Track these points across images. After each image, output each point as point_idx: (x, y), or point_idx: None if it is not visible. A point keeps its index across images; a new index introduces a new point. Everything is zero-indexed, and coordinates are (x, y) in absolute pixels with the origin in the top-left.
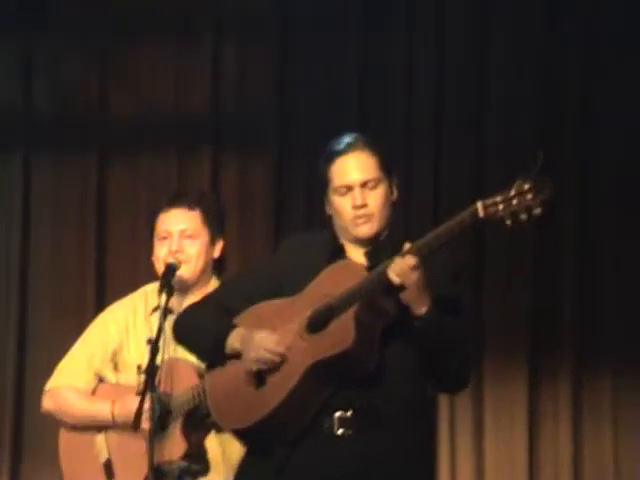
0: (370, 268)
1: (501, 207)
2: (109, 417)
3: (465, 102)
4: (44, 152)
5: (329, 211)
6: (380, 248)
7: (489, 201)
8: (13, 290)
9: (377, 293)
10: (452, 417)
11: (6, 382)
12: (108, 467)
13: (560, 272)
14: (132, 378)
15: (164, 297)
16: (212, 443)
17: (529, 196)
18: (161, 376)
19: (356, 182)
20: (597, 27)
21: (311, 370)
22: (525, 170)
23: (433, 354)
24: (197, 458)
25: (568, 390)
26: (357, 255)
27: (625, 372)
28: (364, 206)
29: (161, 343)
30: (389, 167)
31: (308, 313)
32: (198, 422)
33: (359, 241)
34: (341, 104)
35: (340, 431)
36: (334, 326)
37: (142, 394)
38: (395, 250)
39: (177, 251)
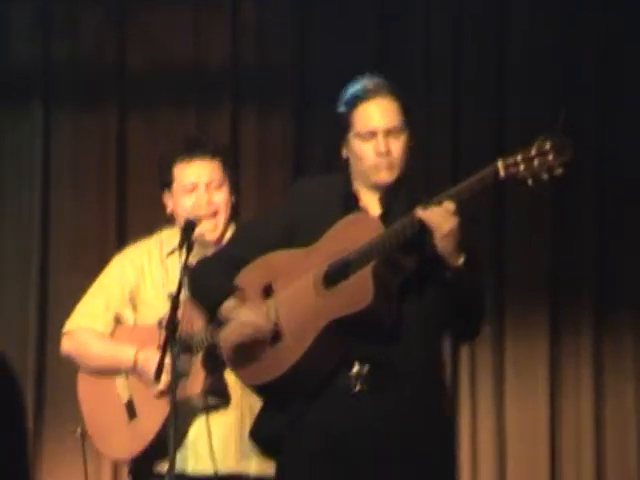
0: (384, 214)
1: (522, 167)
2: (131, 363)
3: (484, 57)
4: (62, 109)
5: (346, 154)
6: (394, 195)
7: (510, 160)
8: (35, 245)
9: (397, 248)
10: (473, 374)
11: (28, 336)
12: (130, 407)
13: (579, 228)
14: (150, 318)
15: (184, 253)
16: (232, 379)
17: (550, 156)
18: (182, 315)
19: (380, 129)
20: None
21: (328, 327)
22: (546, 129)
23: (460, 304)
24: (218, 392)
25: (589, 345)
26: (371, 201)
27: None
28: (388, 153)
29: (181, 298)
30: (409, 113)
31: (324, 267)
32: (218, 357)
33: (377, 187)
34: (359, 56)
35: (357, 387)
36: (352, 282)
37: (162, 350)
38: (409, 198)
39: (209, 202)
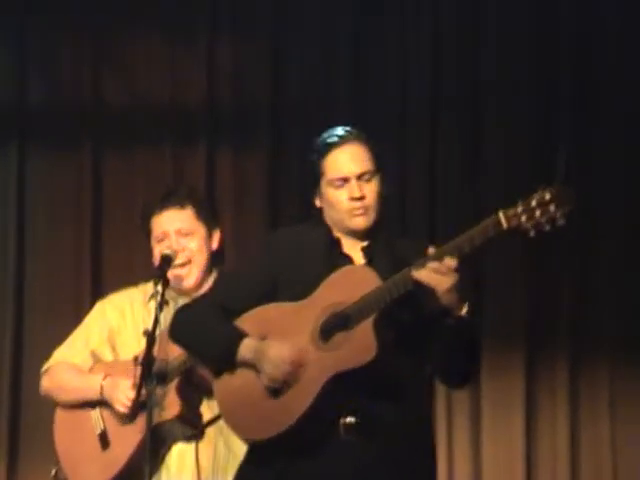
0: (368, 263)
1: (524, 218)
2: (97, 391)
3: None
4: (38, 146)
5: (320, 204)
6: (375, 242)
7: (511, 212)
8: (9, 286)
9: (395, 302)
10: (449, 409)
11: (3, 383)
12: (103, 437)
13: (558, 262)
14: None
15: (160, 288)
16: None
17: (552, 207)
18: (158, 348)
19: (353, 174)
20: None
21: (332, 380)
22: (545, 179)
23: (458, 350)
24: (190, 421)
25: (565, 381)
26: (354, 249)
27: (622, 363)
28: (362, 198)
29: (157, 335)
30: (381, 161)
31: (321, 320)
32: (193, 385)
33: (354, 233)
34: (335, 98)
35: (344, 438)
36: (354, 335)
37: (139, 385)
38: (390, 245)
39: (181, 250)
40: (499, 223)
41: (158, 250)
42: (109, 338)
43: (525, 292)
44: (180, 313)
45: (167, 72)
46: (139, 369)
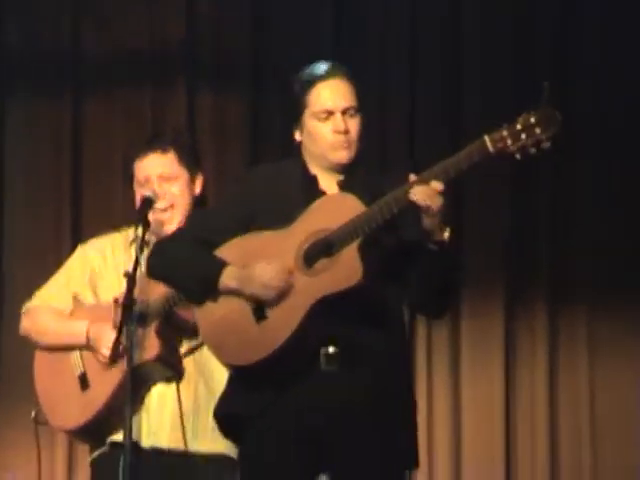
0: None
1: (510, 142)
2: (83, 337)
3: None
4: (17, 90)
5: (300, 137)
6: (352, 178)
7: (496, 135)
8: None
9: (380, 227)
10: (429, 351)
11: None
12: (83, 379)
13: (536, 204)
14: (109, 300)
15: (140, 230)
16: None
17: (537, 130)
18: (138, 289)
19: (339, 107)
20: None
21: (317, 305)
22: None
23: (440, 277)
24: (170, 363)
25: (544, 322)
26: (330, 185)
27: (600, 304)
28: (346, 132)
29: (138, 276)
30: (361, 98)
31: (304, 247)
32: (173, 327)
33: (334, 168)
34: (317, 35)
35: (326, 367)
36: (340, 260)
37: (119, 329)
38: (366, 180)
39: (164, 195)
40: (485, 147)
41: (138, 195)
42: (90, 280)
43: (505, 234)
44: (157, 247)
45: (146, 12)
46: (119, 310)
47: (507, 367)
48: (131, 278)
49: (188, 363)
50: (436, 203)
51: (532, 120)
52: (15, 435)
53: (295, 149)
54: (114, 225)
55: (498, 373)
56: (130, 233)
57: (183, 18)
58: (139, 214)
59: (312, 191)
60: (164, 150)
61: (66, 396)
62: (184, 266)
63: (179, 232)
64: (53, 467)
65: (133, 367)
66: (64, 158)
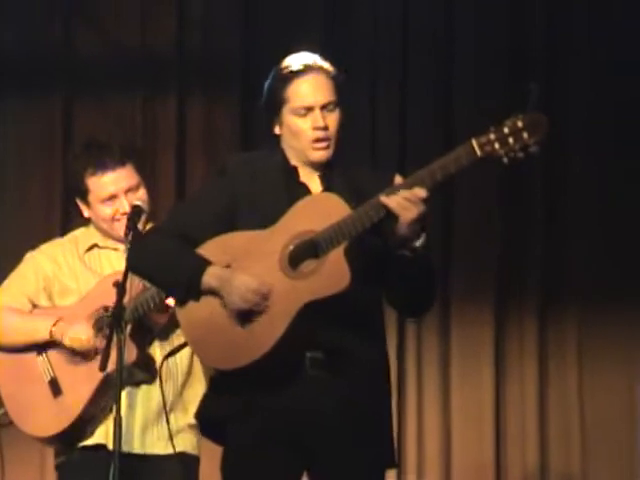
0: (325, 191)
1: (497, 145)
2: (47, 333)
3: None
4: (10, 92)
5: (279, 131)
6: (333, 170)
7: (483, 139)
8: None
9: (366, 231)
10: (419, 358)
11: None
12: (54, 384)
13: (528, 212)
14: (71, 302)
15: (130, 239)
16: (156, 352)
17: (525, 134)
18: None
19: (318, 103)
20: None
21: (304, 309)
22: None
23: (415, 281)
24: (144, 366)
25: (534, 329)
26: (311, 178)
27: (590, 311)
28: (325, 128)
29: (128, 285)
30: (341, 90)
31: (288, 248)
32: (146, 330)
33: (313, 164)
34: (307, 46)
35: (311, 372)
36: (326, 264)
37: (109, 336)
38: (346, 174)
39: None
40: (472, 150)
41: (103, 209)
42: (45, 287)
43: (494, 242)
44: (138, 243)
45: (138, 18)
46: (106, 318)
47: (497, 375)
48: (121, 287)
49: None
50: (415, 211)
51: (520, 124)
52: None
53: (275, 141)
54: None
55: (488, 382)
56: (79, 238)
57: (174, 23)
58: (129, 223)
59: (292, 184)
60: (123, 163)
61: (37, 403)
62: (166, 263)
63: (160, 227)
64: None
65: (108, 372)
66: (55, 162)
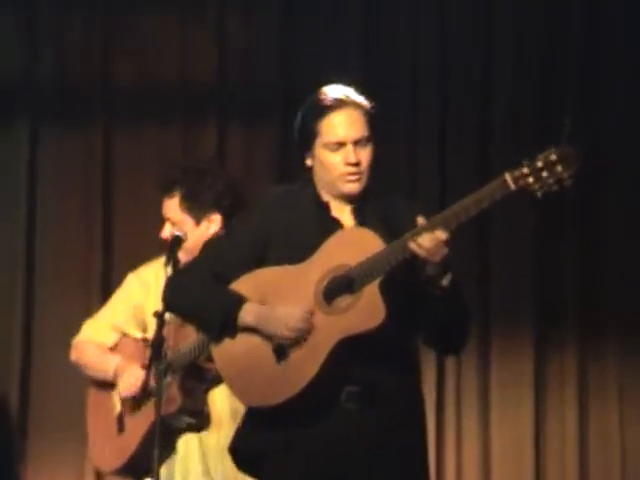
0: (357, 225)
1: (531, 180)
2: (111, 373)
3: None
4: (48, 123)
5: (310, 163)
6: (364, 205)
7: (517, 173)
8: (20, 264)
9: (401, 265)
10: (458, 392)
11: (14, 359)
12: (120, 420)
13: (564, 243)
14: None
15: (170, 269)
16: (216, 398)
17: (559, 168)
18: (169, 334)
19: (350, 139)
20: None
21: (340, 345)
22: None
23: (445, 317)
24: (195, 412)
25: (574, 364)
26: (343, 212)
27: (631, 347)
28: (357, 164)
29: (167, 316)
30: (375, 122)
31: (323, 283)
32: (196, 376)
33: (345, 196)
34: (346, 73)
35: (345, 405)
36: (362, 299)
37: (148, 368)
38: (378, 206)
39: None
40: (506, 184)
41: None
42: (135, 315)
43: (533, 273)
44: (173, 279)
45: (177, 48)
46: (148, 351)
47: (537, 408)
48: (160, 317)
49: (223, 405)
50: (438, 254)
51: (553, 157)
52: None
53: (305, 171)
54: (144, 259)
55: (528, 416)
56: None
57: (215, 53)
58: (168, 252)
59: (324, 218)
60: (169, 194)
61: (106, 437)
62: (201, 299)
63: (193, 264)
64: None
65: (162, 417)
66: (95, 190)
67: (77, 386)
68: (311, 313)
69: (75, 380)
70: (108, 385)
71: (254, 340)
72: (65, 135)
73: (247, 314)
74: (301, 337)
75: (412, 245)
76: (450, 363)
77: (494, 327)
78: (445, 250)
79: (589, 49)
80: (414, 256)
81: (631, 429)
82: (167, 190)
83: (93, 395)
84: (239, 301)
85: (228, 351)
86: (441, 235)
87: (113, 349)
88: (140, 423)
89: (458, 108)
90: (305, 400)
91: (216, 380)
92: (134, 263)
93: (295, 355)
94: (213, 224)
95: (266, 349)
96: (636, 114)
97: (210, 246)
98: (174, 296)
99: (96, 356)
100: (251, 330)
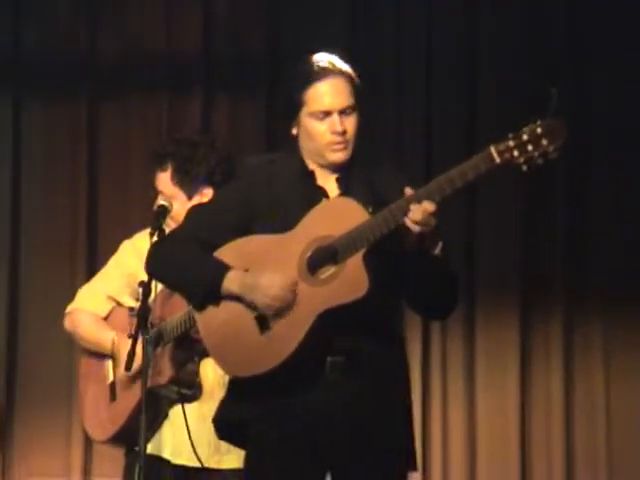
0: (343, 195)
1: (516, 153)
2: (109, 347)
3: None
4: (33, 97)
5: (296, 132)
6: (350, 173)
7: (502, 146)
8: (5, 234)
9: (385, 236)
10: (444, 361)
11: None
12: (112, 389)
13: (551, 214)
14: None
15: (155, 239)
16: (208, 369)
17: (544, 141)
18: (157, 304)
19: (336, 108)
20: None
21: (323, 316)
22: (537, 112)
23: (435, 284)
24: (187, 383)
25: (559, 333)
26: (328, 181)
27: (616, 314)
28: (343, 132)
29: (153, 285)
30: (360, 91)
31: (307, 253)
32: (187, 348)
33: (331, 166)
34: (331, 44)
35: (329, 376)
36: (345, 270)
37: (133, 338)
38: (364, 176)
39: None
40: (491, 157)
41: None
42: (129, 284)
43: (519, 244)
44: (156, 246)
45: (162, 19)
46: (135, 320)
47: (522, 379)
48: (146, 287)
49: (209, 378)
50: (429, 225)
51: (539, 131)
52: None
53: (290, 139)
54: (130, 231)
55: (513, 385)
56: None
57: (200, 24)
58: (153, 222)
59: (309, 187)
60: (162, 168)
61: (99, 405)
62: (185, 267)
63: (177, 231)
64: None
65: (150, 387)
66: (80, 162)
67: (64, 354)
68: (295, 283)
69: (62, 349)
70: (100, 354)
71: (238, 309)
72: (50, 108)
73: (231, 282)
74: (284, 307)
75: (404, 220)
76: (435, 332)
77: (480, 296)
78: (433, 221)
79: (575, 20)
80: (400, 227)
81: (616, 397)
82: (160, 163)
83: (85, 364)
84: (223, 269)
85: (212, 320)
86: (429, 207)
87: (106, 319)
88: (133, 393)
89: (444, 87)
90: (288, 370)
91: (207, 351)
92: (119, 227)
93: (278, 325)
94: (205, 198)
95: (249, 318)
96: (621, 88)
97: (194, 213)
98: (157, 263)
99: (92, 329)
100: (235, 299)
